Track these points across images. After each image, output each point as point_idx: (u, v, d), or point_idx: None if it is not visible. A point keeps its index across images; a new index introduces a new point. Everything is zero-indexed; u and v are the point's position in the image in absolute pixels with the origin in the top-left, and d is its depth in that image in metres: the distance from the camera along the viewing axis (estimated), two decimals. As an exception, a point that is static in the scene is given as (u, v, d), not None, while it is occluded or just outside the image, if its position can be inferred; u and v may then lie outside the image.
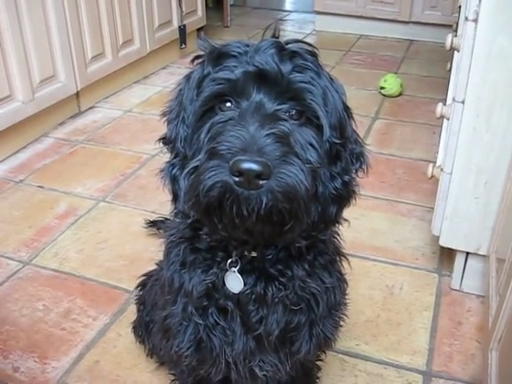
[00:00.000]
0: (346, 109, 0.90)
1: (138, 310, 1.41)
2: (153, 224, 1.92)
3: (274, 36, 0.87)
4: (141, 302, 1.39)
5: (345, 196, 0.91)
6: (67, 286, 1.74)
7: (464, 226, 1.59)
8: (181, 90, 0.92)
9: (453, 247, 1.66)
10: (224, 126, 0.81)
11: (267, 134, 0.76)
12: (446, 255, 1.83)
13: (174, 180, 0.91)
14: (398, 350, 1.52)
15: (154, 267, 1.38)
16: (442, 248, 1.73)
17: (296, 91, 0.83)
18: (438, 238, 1.68)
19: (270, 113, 0.81)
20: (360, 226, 1.99)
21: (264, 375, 1.04)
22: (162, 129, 0.97)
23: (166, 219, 1.88)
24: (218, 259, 0.96)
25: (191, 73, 0.91)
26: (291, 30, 4.40)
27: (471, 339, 1.55)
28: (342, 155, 0.90)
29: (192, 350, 1.01)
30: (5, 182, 2.31)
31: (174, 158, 0.92)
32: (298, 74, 0.83)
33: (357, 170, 0.94)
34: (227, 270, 0.95)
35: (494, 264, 1.50)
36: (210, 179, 0.76)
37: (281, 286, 0.95)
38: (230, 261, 0.95)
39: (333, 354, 1.49)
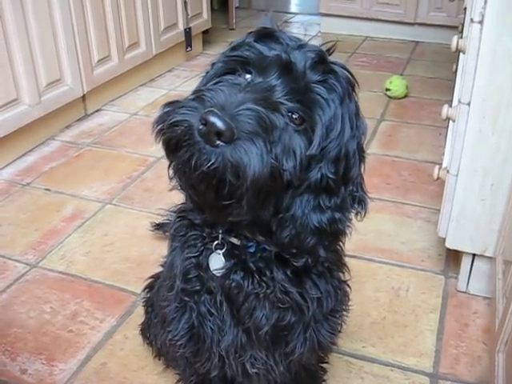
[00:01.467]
0: (360, 151, 0.89)
1: (146, 312, 1.41)
2: (159, 226, 1.93)
3: (328, 50, 0.88)
4: (149, 305, 1.40)
5: (328, 232, 0.89)
6: (74, 288, 1.75)
7: (470, 227, 1.59)
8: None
9: (459, 249, 1.66)
10: (228, 85, 0.82)
11: (251, 109, 0.76)
12: (452, 257, 1.83)
13: None
14: (404, 352, 1.51)
15: (161, 269, 1.39)
16: (448, 250, 1.72)
17: (309, 99, 0.83)
18: (444, 239, 1.68)
19: (273, 100, 0.81)
20: (365, 228, 1.99)
21: (256, 373, 1.04)
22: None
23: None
24: (204, 235, 0.97)
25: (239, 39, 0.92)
26: (296, 33, 4.39)
27: (478, 341, 1.55)
28: (340, 193, 0.88)
29: (186, 339, 1.02)
30: (12, 185, 2.32)
31: None
32: (321, 88, 0.83)
33: (357, 213, 0.93)
34: (212, 251, 0.96)
35: (501, 266, 1.50)
36: (181, 115, 0.77)
37: (262, 283, 0.95)
38: (215, 243, 0.95)
39: (339, 356, 1.49)
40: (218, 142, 0.73)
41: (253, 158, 0.75)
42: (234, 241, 0.95)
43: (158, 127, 0.81)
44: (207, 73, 0.94)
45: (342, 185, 0.88)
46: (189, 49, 3.63)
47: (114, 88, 3.10)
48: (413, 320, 1.62)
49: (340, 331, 1.15)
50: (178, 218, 1.03)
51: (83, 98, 2.87)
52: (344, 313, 1.13)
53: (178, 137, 0.77)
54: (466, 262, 1.68)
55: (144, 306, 1.44)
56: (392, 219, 2.08)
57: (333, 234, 0.90)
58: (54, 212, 2.14)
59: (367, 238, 1.95)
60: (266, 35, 0.87)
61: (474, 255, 1.66)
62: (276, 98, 0.81)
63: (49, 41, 2.51)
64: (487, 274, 1.66)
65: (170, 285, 1.04)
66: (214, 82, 0.87)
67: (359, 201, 0.92)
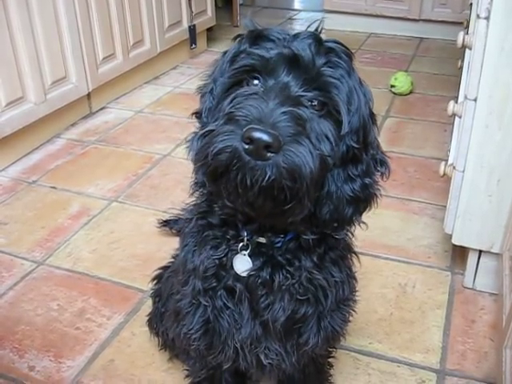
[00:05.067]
0: (371, 115, 0.92)
1: (154, 302, 1.42)
2: (165, 223, 1.93)
3: (316, 30, 0.89)
4: (156, 295, 1.41)
5: (363, 198, 0.92)
6: (81, 285, 1.76)
7: (477, 224, 1.59)
8: (217, 65, 0.94)
9: (465, 245, 1.66)
10: (247, 98, 0.82)
11: (285, 112, 0.78)
12: (459, 253, 1.82)
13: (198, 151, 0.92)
14: (411, 349, 1.52)
15: (170, 260, 1.39)
16: (455, 246, 1.72)
17: (323, 83, 0.85)
18: (450, 236, 1.67)
19: (294, 96, 0.83)
20: (372, 225, 1.94)
21: (269, 363, 1.05)
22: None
23: (179, 218, 1.90)
24: (228, 237, 0.98)
25: (229, 49, 0.93)
26: (300, 30, 4.38)
27: (485, 337, 1.55)
28: (364, 159, 0.91)
29: (201, 332, 1.03)
30: (18, 183, 2.33)
31: (201, 129, 0.93)
32: (329, 69, 0.85)
33: (382, 174, 0.96)
34: (237, 252, 0.97)
35: (508, 262, 1.50)
36: (222, 142, 0.78)
37: (288, 275, 0.97)
38: (241, 244, 0.96)
39: (346, 352, 1.49)
40: (268, 155, 0.75)
41: (304, 157, 0.77)
42: (262, 240, 0.96)
43: (202, 161, 0.82)
44: (211, 90, 0.93)
45: (363, 151, 0.91)
46: (193, 46, 3.63)
47: (119, 86, 3.10)
48: (419, 316, 1.62)
49: (350, 321, 1.15)
50: (196, 218, 1.03)
51: (88, 95, 2.87)
52: (353, 302, 1.14)
53: (225, 164, 0.78)
54: (472, 259, 1.68)
55: (152, 296, 1.44)
56: (398, 216, 2.08)
57: (366, 199, 0.94)
58: (61, 210, 2.15)
59: (373, 234, 1.95)
60: (257, 37, 0.88)
61: (480, 251, 1.65)
62: (294, 92, 0.83)
63: (54, 39, 2.51)
64: (494, 270, 1.66)
65: (185, 280, 1.05)
66: (228, 99, 0.86)
67: (381, 162, 0.96)
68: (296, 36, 0.87)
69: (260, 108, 0.78)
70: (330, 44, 0.87)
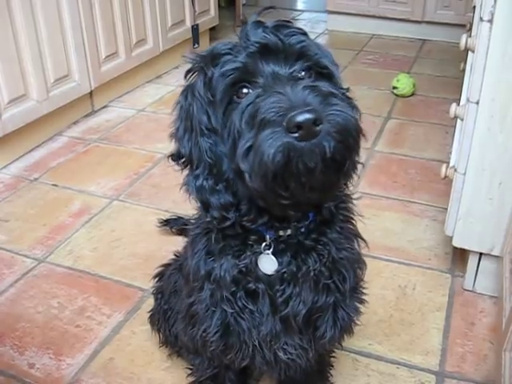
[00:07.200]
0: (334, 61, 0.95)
1: (156, 299, 1.42)
2: (166, 222, 1.94)
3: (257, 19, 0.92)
4: (158, 292, 1.41)
5: None
6: (82, 283, 1.76)
7: (477, 226, 1.59)
8: (181, 106, 0.94)
9: (466, 248, 1.66)
10: (256, 103, 0.81)
11: (301, 88, 0.79)
12: (459, 256, 1.82)
13: (201, 190, 0.91)
14: (410, 350, 1.52)
15: (172, 258, 1.40)
16: (455, 248, 1.72)
17: (299, 52, 0.87)
18: (451, 238, 1.68)
19: (288, 76, 0.84)
20: (372, 226, 1.99)
21: (288, 359, 1.05)
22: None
23: (180, 218, 1.90)
24: (251, 242, 0.97)
25: (192, 86, 0.92)
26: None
27: (484, 340, 1.55)
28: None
29: (219, 334, 1.03)
30: (20, 181, 2.33)
31: (196, 169, 0.92)
32: (292, 39, 0.87)
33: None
34: (261, 253, 0.97)
35: (508, 265, 1.50)
36: (271, 147, 0.76)
37: (318, 257, 0.98)
38: (264, 244, 0.96)
39: (345, 353, 1.49)
40: (318, 129, 0.75)
41: (343, 113, 0.78)
42: (288, 232, 0.96)
43: (260, 174, 0.79)
44: (201, 131, 0.91)
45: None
46: (196, 45, 3.63)
47: (122, 84, 3.11)
48: (419, 318, 1.62)
49: (361, 312, 1.15)
50: (209, 234, 1.02)
51: (91, 94, 2.88)
52: (362, 294, 1.14)
53: (284, 163, 0.76)
54: (472, 261, 1.68)
55: (154, 293, 1.44)
56: (399, 217, 2.08)
57: None
58: (62, 207, 2.15)
59: (374, 235, 1.95)
60: (213, 59, 0.88)
61: (480, 254, 1.66)
62: (286, 73, 0.85)
63: (57, 37, 2.52)
64: (494, 273, 1.66)
65: (200, 286, 1.04)
66: (237, 118, 0.84)
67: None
68: (246, 32, 0.88)
69: (281, 98, 0.78)
70: (275, 23, 0.90)
